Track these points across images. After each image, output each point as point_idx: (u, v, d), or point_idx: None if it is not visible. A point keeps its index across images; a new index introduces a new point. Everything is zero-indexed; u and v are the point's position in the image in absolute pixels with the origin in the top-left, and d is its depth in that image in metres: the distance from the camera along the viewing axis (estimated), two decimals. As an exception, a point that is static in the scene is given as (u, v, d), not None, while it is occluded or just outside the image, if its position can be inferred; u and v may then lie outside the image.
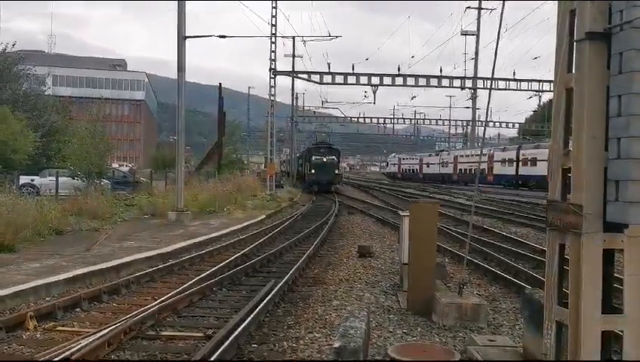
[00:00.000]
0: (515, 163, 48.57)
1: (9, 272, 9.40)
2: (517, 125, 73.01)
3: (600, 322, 3.63)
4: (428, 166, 71.41)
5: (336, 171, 42.28)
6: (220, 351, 5.69)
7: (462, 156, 61.33)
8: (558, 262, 3.97)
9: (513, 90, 38.62)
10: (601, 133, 3.66)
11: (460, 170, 60.09)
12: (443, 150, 74.32)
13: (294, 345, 6.46)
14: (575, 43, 3.80)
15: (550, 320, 4.05)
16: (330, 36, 32.25)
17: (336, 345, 3.84)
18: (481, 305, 7.40)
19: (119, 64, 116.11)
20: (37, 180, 28.16)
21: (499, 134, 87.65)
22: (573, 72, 3.80)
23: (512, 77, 38.01)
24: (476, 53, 60.02)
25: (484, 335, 6.67)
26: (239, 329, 6.47)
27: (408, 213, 8.44)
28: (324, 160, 41.72)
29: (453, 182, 58.51)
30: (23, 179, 27.39)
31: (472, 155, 57.35)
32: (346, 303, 8.38)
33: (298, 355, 6.08)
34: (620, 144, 3.52)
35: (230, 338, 6.12)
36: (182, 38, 19.58)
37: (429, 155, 74.13)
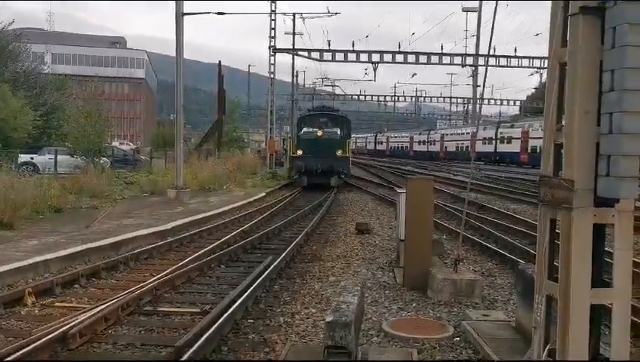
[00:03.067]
0: (493, 141, 52.26)
1: (8, 249, 9.45)
2: (518, 103, 72.62)
3: (589, 295, 3.65)
4: (419, 144, 74.89)
5: (341, 153, 25.32)
6: (215, 325, 5.75)
7: (447, 135, 65.97)
8: (549, 236, 3.98)
9: (514, 67, 38.25)
10: (593, 108, 3.64)
11: (446, 147, 64.29)
12: (430, 129, 77.06)
13: (290, 320, 6.53)
14: (569, 17, 3.76)
15: (540, 294, 4.08)
16: (329, 12, 31.85)
17: (329, 319, 3.88)
18: (476, 281, 7.45)
19: (118, 41, 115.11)
20: (36, 158, 28.18)
21: (500, 112, 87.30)
22: (568, 46, 3.76)
23: (513, 54, 37.65)
24: (478, 30, 59.40)
25: (479, 311, 6.75)
26: (235, 305, 6.53)
27: (405, 190, 8.45)
28: (320, 134, 25.48)
29: (439, 159, 62.03)
30: (23, 158, 27.41)
31: (457, 134, 63.25)
32: (343, 279, 8.43)
33: (293, 330, 6.15)
34: (612, 119, 3.51)
35: (226, 314, 6.18)
36: (180, 15, 19.43)
37: (419, 134, 76.93)
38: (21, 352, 4.99)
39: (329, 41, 35.22)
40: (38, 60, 44.73)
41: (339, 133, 26.47)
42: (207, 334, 5.45)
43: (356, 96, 70.94)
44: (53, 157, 27.13)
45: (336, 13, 31.21)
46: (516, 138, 47.87)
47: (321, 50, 35.00)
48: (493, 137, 52.59)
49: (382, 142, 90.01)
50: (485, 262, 9.98)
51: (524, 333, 5.42)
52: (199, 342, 5.20)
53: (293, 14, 41.18)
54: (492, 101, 69.57)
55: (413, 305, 7.20)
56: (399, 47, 36.31)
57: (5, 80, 33.65)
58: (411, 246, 8.05)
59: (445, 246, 10.55)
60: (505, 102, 70.31)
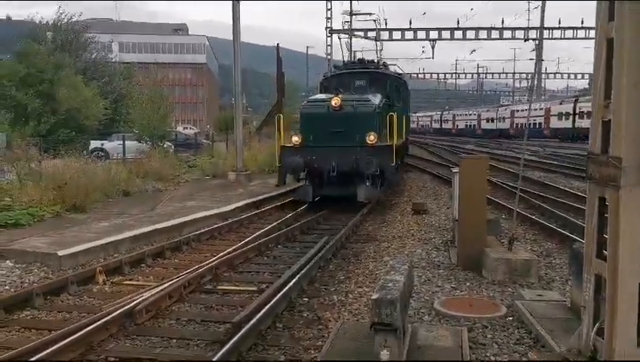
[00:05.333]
0: (571, 116, 47.71)
1: (81, 231, 10.07)
2: (587, 76, 69.51)
3: (637, 274, 3.62)
4: (487, 121, 69.90)
5: (374, 139, 13.06)
6: (271, 303, 5.98)
7: (518, 111, 60.40)
8: (597, 215, 3.94)
9: (582, 38, 36.67)
10: (642, 83, 3.56)
11: (517, 124, 59.61)
12: (500, 105, 72.43)
13: (343, 298, 6.69)
14: (617, -10, 3.67)
15: (589, 273, 4.06)
16: (386, -9, 31.49)
17: (374, 296, 4.00)
18: (532, 260, 7.36)
19: (180, 28, 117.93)
20: (106, 145, 29.50)
21: (567, 85, 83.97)
22: (614, 21, 3.68)
23: (579, 25, 36.08)
24: (543, 2, 56.96)
25: (534, 290, 6.69)
26: (291, 284, 6.75)
27: (458, 170, 8.40)
28: (336, 103, 13.27)
29: (510, 136, 57.79)
30: (94, 144, 28.77)
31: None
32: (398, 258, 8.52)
33: (347, 308, 6.31)
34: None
35: (282, 292, 6.41)
36: (236, 1, 19.78)
37: (487, 110, 72.17)
38: (93, 326, 5.39)
39: (385, 20, 34.87)
40: (106, 50, 46.62)
41: (376, 102, 14.12)
42: (262, 311, 5.70)
43: (415, 75, 69.94)
44: (121, 143, 28.38)
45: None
46: None
47: (377, 29, 34.68)
48: (571, 112, 47.87)
49: (447, 120, 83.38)
50: (544, 241, 9.79)
51: (578, 313, 5.36)
52: (254, 319, 5.44)
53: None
54: (559, 75, 67.02)
55: (467, 284, 7.21)
56: (458, 24, 35.48)
57: (77, 70, 35.32)
58: (465, 226, 8.02)
59: (503, 226, 10.40)
60: (572, 76, 67.53)
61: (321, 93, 16.26)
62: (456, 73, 77.52)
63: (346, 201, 12.77)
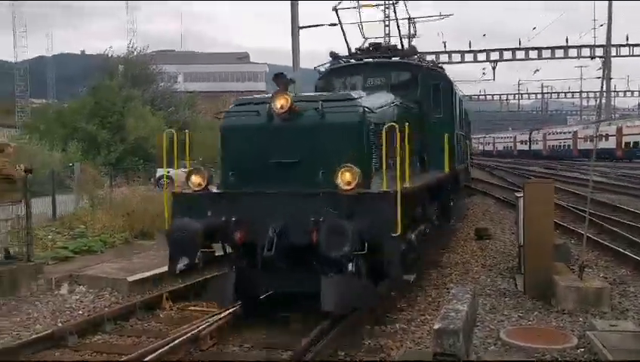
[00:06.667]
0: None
1: (148, 257, 10.42)
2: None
3: None
4: (521, 143, 73.58)
5: (377, 191, 6.39)
6: (333, 331, 5.98)
7: (550, 134, 66.45)
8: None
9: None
10: None
11: (549, 146, 65.40)
12: (533, 129, 74.64)
13: (405, 326, 6.61)
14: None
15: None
16: (441, 16, 31.31)
17: (436, 326, 3.95)
18: (604, 289, 7.06)
19: (244, 56, 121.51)
20: (172, 172, 30.42)
21: (639, 103, 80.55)
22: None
23: (650, 40, 34.73)
24: (609, 18, 55.24)
25: (606, 320, 6.40)
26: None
27: (522, 194, 8.20)
28: (295, 110, 6.54)
29: (543, 157, 60.77)
30: (160, 172, 29.80)
31: (559, 132, 64.69)
32: (460, 286, 8.34)
33: (409, 336, 6.22)
34: None
35: (345, 319, 6.38)
36: (296, 29, 20.31)
37: (522, 133, 75.81)
38: (159, 352, 5.54)
39: (444, 43, 34.67)
40: (172, 80, 48.54)
41: (371, 103, 7.22)
42: (326, 338, 5.70)
43: (476, 97, 68.93)
44: (186, 170, 29.26)
45: (448, 15, 30.58)
46: (611, 135, 45.62)
47: (436, 53, 34.54)
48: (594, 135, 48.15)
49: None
50: (617, 268, 9.36)
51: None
52: (317, 347, 5.45)
53: (408, 19, 40.77)
54: (628, 93, 64.44)
55: (535, 313, 6.97)
56: (519, 43, 34.85)
57: (145, 101, 36.95)
58: (531, 252, 7.79)
59: (572, 251, 10.01)
60: (644, 94, 64.74)
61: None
62: (519, 93, 75.86)
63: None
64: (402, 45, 12.12)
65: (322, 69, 11.50)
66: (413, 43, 12.21)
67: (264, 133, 6.78)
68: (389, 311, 7.30)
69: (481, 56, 33.91)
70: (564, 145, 63.35)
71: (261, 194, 6.49)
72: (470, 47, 33.64)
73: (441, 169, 9.18)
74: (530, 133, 72.43)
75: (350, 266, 5.95)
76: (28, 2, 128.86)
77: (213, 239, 6.62)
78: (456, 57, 33.70)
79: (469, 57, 33.61)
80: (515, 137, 77.79)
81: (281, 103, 6.50)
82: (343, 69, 11.01)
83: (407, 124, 6.73)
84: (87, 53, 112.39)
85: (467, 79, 68.20)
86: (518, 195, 8.73)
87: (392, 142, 6.43)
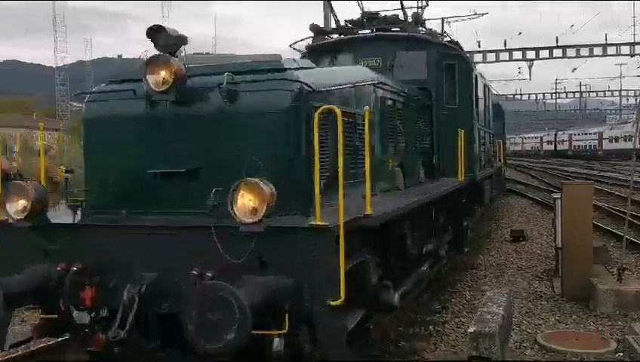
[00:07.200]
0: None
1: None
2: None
3: None
4: (547, 143, 74.03)
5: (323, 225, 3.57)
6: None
7: (575, 135, 67.24)
8: None
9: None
10: None
11: (575, 146, 65.86)
12: (559, 130, 74.86)
13: (440, 329, 6.56)
14: None
15: None
16: (476, 14, 30.92)
17: (471, 329, 3.92)
18: (645, 292, 6.87)
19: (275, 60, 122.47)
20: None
21: (681, 102, 77.95)
22: None
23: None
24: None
25: (648, 325, 6.24)
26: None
27: (560, 195, 8.06)
28: (180, 89, 4.05)
29: (568, 157, 61.41)
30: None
31: (584, 133, 65.14)
32: (494, 288, 8.24)
33: (443, 339, 6.18)
34: None
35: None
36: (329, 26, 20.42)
37: (548, 134, 76.35)
38: None
39: (479, 42, 34.22)
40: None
41: (353, 76, 5.42)
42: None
43: (512, 96, 67.88)
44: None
45: (483, 14, 30.16)
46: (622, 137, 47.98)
47: (471, 52, 34.09)
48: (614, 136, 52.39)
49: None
50: (659, 271, 9.11)
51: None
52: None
53: (442, 19, 40.40)
54: (671, 91, 62.48)
55: (573, 317, 6.84)
56: (557, 42, 34.17)
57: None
58: (569, 255, 7.64)
59: (612, 254, 9.78)
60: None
61: None
62: (556, 92, 74.36)
63: None
64: (405, 16, 9.23)
65: (302, 48, 8.88)
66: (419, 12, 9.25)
67: (141, 126, 4.38)
68: (421, 312, 7.28)
69: (517, 55, 33.33)
70: (589, 146, 63.99)
71: (118, 228, 4.11)
72: (505, 46, 33.14)
73: (454, 176, 7.40)
74: (556, 134, 72.51)
75: (276, 343, 3.50)
76: (68, 10, 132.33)
77: (48, 300, 4.10)
78: (491, 57, 33.19)
79: (504, 56, 33.07)
80: (541, 138, 77.96)
81: (160, 76, 4.00)
82: (326, 47, 8.54)
83: (367, 108, 4.21)
84: (124, 57, 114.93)
85: (502, 78, 67.21)
86: (556, 196, 8.58)
87: (354, 139, 4.52)
